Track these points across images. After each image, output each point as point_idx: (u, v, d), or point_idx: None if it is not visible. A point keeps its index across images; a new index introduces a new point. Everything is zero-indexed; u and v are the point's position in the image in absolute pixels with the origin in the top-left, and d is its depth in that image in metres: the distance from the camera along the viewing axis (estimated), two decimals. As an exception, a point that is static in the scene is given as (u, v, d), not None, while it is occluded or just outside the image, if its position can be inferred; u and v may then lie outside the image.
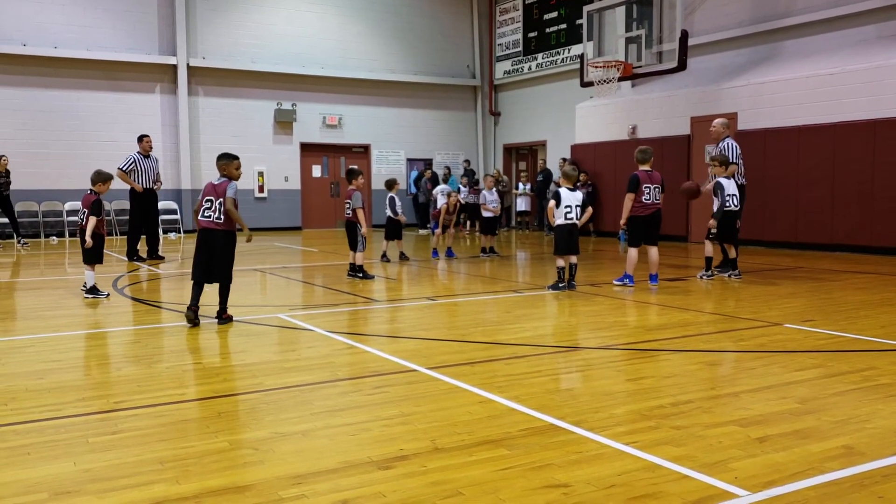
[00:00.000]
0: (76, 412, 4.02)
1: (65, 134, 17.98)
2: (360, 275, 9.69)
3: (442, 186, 17.73)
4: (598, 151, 17.69)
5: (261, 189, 20.37)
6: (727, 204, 9.24)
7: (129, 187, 12.18)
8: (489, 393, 4.28)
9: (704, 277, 9.34)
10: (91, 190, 8.21)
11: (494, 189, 13.50)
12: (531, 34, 21.61)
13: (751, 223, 13.26)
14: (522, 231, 20.46)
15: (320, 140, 21.22)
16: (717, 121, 10.42)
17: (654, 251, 8.81)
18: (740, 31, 15.31)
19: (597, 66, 15.26)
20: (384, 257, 12.00)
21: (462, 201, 15.22)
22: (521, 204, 20.48)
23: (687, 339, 5.88)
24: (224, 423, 3.81)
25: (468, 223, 19.80)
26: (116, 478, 3.06)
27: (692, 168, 15.34)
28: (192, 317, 6.36)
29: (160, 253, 12.60)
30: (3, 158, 15.17)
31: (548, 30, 21.00)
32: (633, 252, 8.84)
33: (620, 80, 15.21)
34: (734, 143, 10.05)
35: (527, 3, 21.72)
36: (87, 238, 8.02)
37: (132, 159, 12.16)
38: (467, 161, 22.62)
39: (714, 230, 9.29)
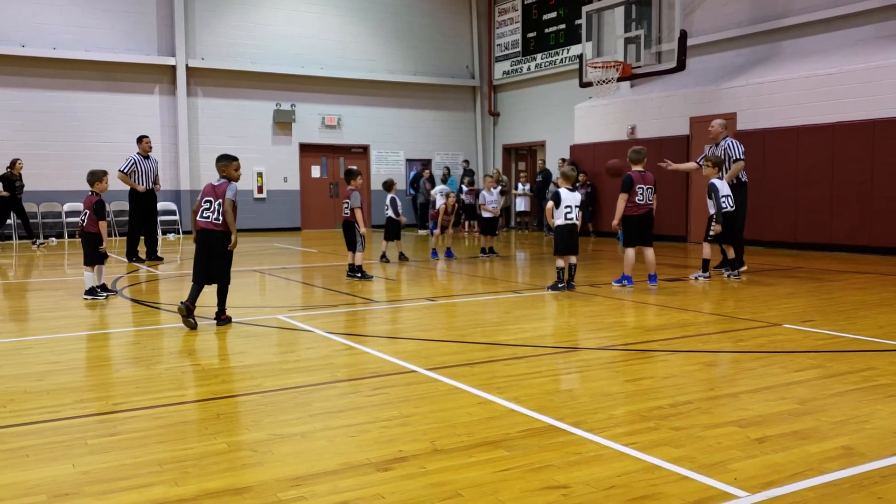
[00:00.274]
0: (75, 414, 4.01)
1: (63, 135, 17.97)
2: (359, 275, 9.69)
3: (441, 187, 17.73)
4: (597, 152, 17.68)
5: (260, 190, 20.36)
6: (724, 205, 9.23)
7: (128, 188, 12.18)
8: (488, 394, 4.27)
9: (701, 278, 9.33)
10: (91, 191, 8.23)
11: (494, 189, 13.50)
12: (530, 34, 21.61)
13: (750, 223, 13.19)
14: (521, 231, 20.46)
15: (319, 140, 21.21)
16: (715, 121, 10.43)
17: (649, 252, 8.84)
18: (739, 31, 15.31)
19: (596, 67, 15.26)
20: (383, 258, 12.00)
21: (464, 201, 15.24)
22: (521, 204, 20.49)
23: (686, 340, 5.88)
24: (223, 424, 3.81)
25: (467, 223, 19.81)
26: (115, 479, 3.06)
27: (691, 168, 15.33)
28: (185, 311, 6.27)
29: (159, 254, 12.60)
30: (18, 162, 15.24)
31: (547, 30, 21.00)
32: (629, 252, 8.85)
33: (619, 80, 15.21)
34: (737, 142, 10.10)
35: (526, 3, 21.72)
36: (105, 242, 8.15)
37: (132, 160, 12.16)
38: (466, 161, 22.63)
39: (712, 232, 9.26)
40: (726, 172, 9.88)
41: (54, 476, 3.11)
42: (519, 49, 22.05)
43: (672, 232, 15.72)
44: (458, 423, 3.75)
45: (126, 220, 13.61)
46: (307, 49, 20.62)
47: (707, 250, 9.48)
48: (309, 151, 21.20)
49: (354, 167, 10.28)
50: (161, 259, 12.43)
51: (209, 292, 6.71)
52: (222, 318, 6.57)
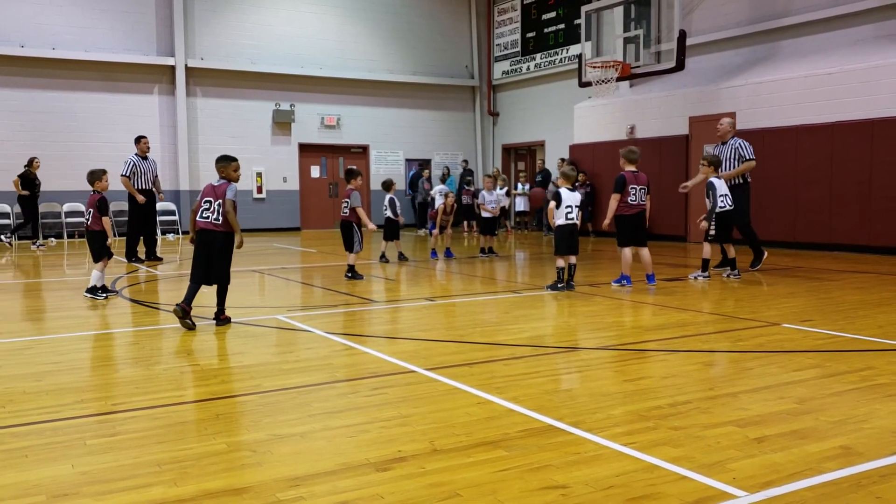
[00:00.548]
0: (74, 414, 4.01)
1: (63, 135, 17.97)
2: (349, 274, 9.69)
3: (440, 187, 17.73)
4: (596, 151, 17.69)
5: (259, 190, 20.37)
6: (721, 204, 9.22)
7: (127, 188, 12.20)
8: (488, 394, 4.28)
9: (700, 278, 9.33)
10: (93, 190, 8.27)
11: (499, 190, 13.48)
12: (529, 34, 21.61)
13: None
14: (521, 231, 20.47)
15: (319, 141, 21.22)
16: (724, 119, 10.46)
17: (645, 252, 8.86)
18: (738, 30, 15.31)
19: (595, 67, 15.27)
20: (383, 258, 12.00)
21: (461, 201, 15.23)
22: (520, 204, 20.49)
23: (685, 340, 5.88)
24: (222, 424, 3.81)
25: (466, 223, 19.81)
26: (114, 480, 3.06)
27: (690, 168, 15.33)
28: (181, 313, 6.26)
29: (158, 254, 12.60)
30: (36, 160, 15.27)
31: (546, 30, 21.00)
32: (626, 252, 8.86)
33: (619, 80, 15.22)
34: (746, 142, 10.19)
35: (525, 3, 21.72)
36: (110, 237, 8.22)
37: (131, 163, 12.16)
38: (465, 161, 22.63)
39: (713, 232, 9.26)
40: (727, 171, 9.91)
41: (53, 476, 3.11)
42: (518, 49, 22.05)
43: (671, 232, 15.73)
44: (457, 423, 3.75)
45: (126, 221, 13.60)
46: (306, 49, 20.62)
47: (707, 250, 9.48)
48: (308, 151, 21.20)
49: (354, 167, 10.29)
50: (160, 259, 12.43)
51: (207, 292, 6.71)
52: (221, 319, 6.57)
